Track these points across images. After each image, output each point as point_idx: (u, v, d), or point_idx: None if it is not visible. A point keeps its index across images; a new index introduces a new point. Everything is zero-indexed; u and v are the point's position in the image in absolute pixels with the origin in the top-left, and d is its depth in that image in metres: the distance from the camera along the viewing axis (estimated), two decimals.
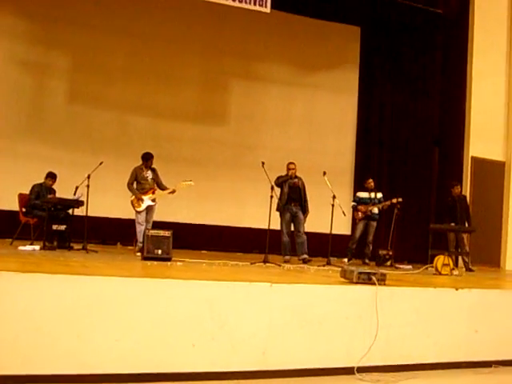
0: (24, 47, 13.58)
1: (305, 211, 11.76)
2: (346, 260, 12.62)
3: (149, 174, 11.19)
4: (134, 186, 11.15)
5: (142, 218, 11.01)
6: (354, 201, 13.20)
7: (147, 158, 11.19)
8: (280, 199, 11.55)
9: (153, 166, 11.29)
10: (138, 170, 11.19)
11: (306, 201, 11.82)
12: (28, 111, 13.63)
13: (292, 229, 11.74)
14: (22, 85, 13.56)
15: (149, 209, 11.10)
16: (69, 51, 14.03)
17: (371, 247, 12.97)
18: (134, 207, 11.03)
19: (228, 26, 14.97)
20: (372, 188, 13.12)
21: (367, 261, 12.80)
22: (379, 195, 13.11)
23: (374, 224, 13.02)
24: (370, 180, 13.22)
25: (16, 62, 13.49)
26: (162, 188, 11.20)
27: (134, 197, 11.05)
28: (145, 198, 11.01)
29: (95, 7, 13.97)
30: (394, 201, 12.74)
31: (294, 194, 11.69)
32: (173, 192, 11.11)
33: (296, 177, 11.80)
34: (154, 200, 11.12)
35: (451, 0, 13.35)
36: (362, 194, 13.14)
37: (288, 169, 11.78)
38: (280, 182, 11.60)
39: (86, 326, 5.33)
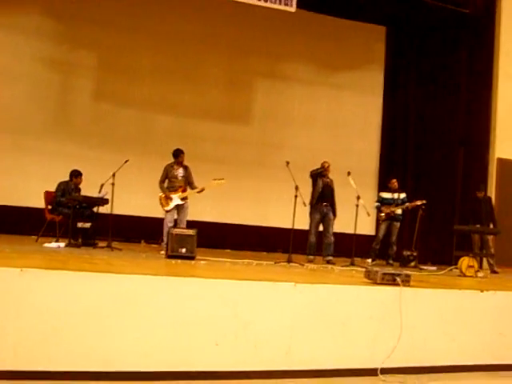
0: (51, 46, 13.68)
1: (335, 213, 11.72)
2: (369, 261, 12.58)
3: (179, 172, 10.99)
4: (166, 184, 11.04)
5: (170, 217, 10.85)
6: (377, 201, 13.16)
7: (176, 154, 11.02)
8: (313, 194, 11.54)
9: (185, 163, 11.16)
10: (168, 168, 11.04)
11: (334, 203, 11.79)
12: (54, 109, 13.74)
13: (320, 229, 11.72)
14: (49, 83, 13.66)
15: (179, 208, 10.91)
16: (94, 50, 14.11)
17: (395, 248, 12.91)
18: (162, 206, 10.91)
19: (253, 26, 14.97)
20: (396, 188, 13.07)
21: (391, 261, 12.75)
22: (402, 196, 13.05)
23: (398, 225, 12.96)
24: (394, 180, 13.17)
25: (43, 60, 13.59)
26: (193, 187, 11.06)
27: (162, 195, 10.93)
28: (174, 196, 10.85)
29: (121, 7, 14.04)
30: (419, 203, 12.67)
31: (326, 193, 11.65)
32: (202, 190, 10.95)
33: (328, 177, 11.80)
34: (183, 199, 10.94)
35: (478, 0, 13.23)
36: (386, 195, 13.09)
37: (322, 165, 11.76)
38: (314, 174, 11.59)
39: (110, 323, 5.36)
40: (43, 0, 13.54)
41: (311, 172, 11.55)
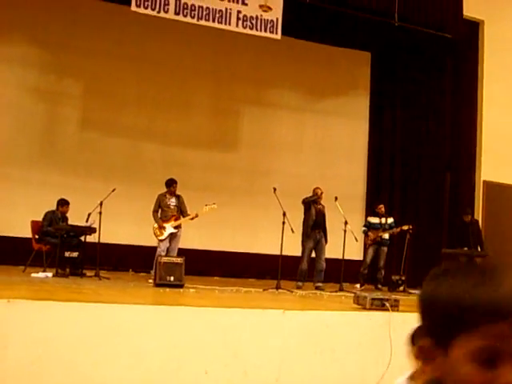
0: (36, 75, 13.68)
1: (326, 239, 11.73)
2: (358, 286, 12.58)
3: (172, 201, 11.18)
4: (159, 213, 11.15)
5: (163, 246, 10.93)
6: (364, 226, 13.19)
7: (169, 184, 11.22)
8: (307, 222, 11.53)
9: (177, 192, 11.30)
10: (161, 197, 11.19)
11: (326, 229, 11.80)
12: (40, 138, 13.70)
13: (313, 255, 11.72)
14: (35, 112, 13.64)
15: (172, 236, 11.05)
16: (80, 79, 14.13)
17: (383, 272, 12.93)
18: (156, 235, 11.00)
19: (238, 53, 15.03)
20: (383, 213, 13.13)
21: (380, 286, 12.76)
22: (390, 220, 13.10)
23: (385, 249, 12.99)
24: (381, 205, 13.24)
25: (28, 89, 13.58)
26: (186, 215, 11.18)
27: (156, 225, 11.04)
28: (167, 225, 10.99)
29: (106, 36, 14.07)
30: (405, 228, 12.73)
31: (319, 220, 11.66)
32: (195, 217, 11.07)
33: (321, 203, 11.81)
34: (176, 227, 11.07)
35: (461, 25, 13.35)
36: (373, 220, 13.13)
37: (315, 192, 11.78)
38: (307, 202, 11.59)
39: (99, 353, 5.33)
40: (29, 29, 13.53)
41: (304, 200, 11.54)
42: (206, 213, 11.12)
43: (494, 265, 1.23)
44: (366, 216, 14.20)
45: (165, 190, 11.30)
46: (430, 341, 1.25)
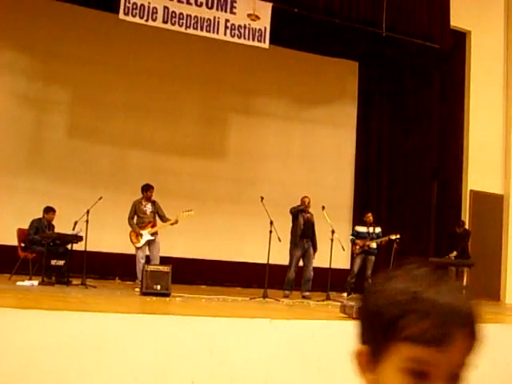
0: (24, 82, 13.64)
1: (315, 248, 11.72)
2: (345, 295, 12.58)
3: (148, 208, 11.12)
4: (135, 220, 11.10)
5: (142, 253, 10.90)
6: (352, 235, 13.20)
7: (146, 189, 11.16)
8: (295, 231, 11.52)
9: (153, 198, 11.26)
10: (137, 204, 11.14)
11: (315, 238, 11.79)
12: (27, 146, 13.66)
13: (300, 264, 11.71)
14: (22, 119, 13.59)
15: (150, 243, 10.98)
16: (68, 86, 14.10)
17: (370, 281, 12.97)
18: (133, 243, 10.96)
19: (226, 62, 15.05)
20: (371, 222, 13.15)
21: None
22: (378, 230, 13.13)
23: (373, 258, 13.01)
24: (369, 214, 13.26)
25: (16, 96, 13.55)
26: (165, 220, 11.13)
27: (132, 232, 10.99)
28: (143, 232, 10.94)
29: (94, 43, 14.05)
30: (393, 237, 12.78)
31: (307, 229, 11.65)
32: (175, 223, 11.05)
33: (309, 212, 11.80)
34: (153, 234, 11.03)
35: (448, 35, 13.42)
36: (361, 229, 13.16)
37: (303, 201, 11.78)
38: (295, 212, 11.58)
39: (84, 362, 5.30)
40: (16, 36, 13.50)
41: (291, 209, 11.52)
42: (184, 219, 11.09)
43: (435, 274, 1.21)
44: (354, 225, 14.23)
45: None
46: (367, 349, 1.23)
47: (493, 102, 15.17)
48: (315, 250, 11.71)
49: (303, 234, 11.61)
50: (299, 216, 11.65)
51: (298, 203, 11.86)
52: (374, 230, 13.07)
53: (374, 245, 12.95)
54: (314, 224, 11.77)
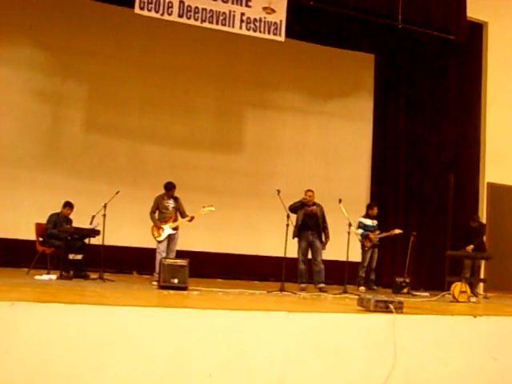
0: (41, 78, 13.69)
1: (322, 240, 11.70)
2: (362, 288, 12.60)
3: (170, 203, 11.23)
4: (156, 215, 11.20)
5: (162, 247, 10.99)
6: (362, 228, 13.14)
7: (169, 187, 11.26)
8: (295, 226, 11.55)
9: (180, 194, 11.34)
10: (159, 199, 11.25)
11: (325, 228, 11.76)
12: (45, 141, 13.70)
13: (309, 256, 11.70)
14: (39, 115, 13.64)
15: (170, 238, 11.10)
16: (85, 81, 14.13)
17: (375, 273, 13.11)
18: (154, 237, 11.04)
19: (242, 55, 15.05)
20: (375, 215, 13.26)
21: (374, 287, 12.88)
22: (376, 222, 13.24)
23: (377, 251, 13.12)
24: (376, 207, 13.34)
25: (33, 92, 13.60)
26: (184, 217, 11.21)
27: (154, 226, 11.09)
28: (165, 226, 11.04)
29: (111, 38, 14.09)
30: (397, 232, 12.93)
31: (310, 222, 11.64)
32: (192, 219, 11.11)
33: (314, 204, 11.78)
34: (175, 228, 11.12)
35: (464, 26, 13.33)
36: (368, 222, 13.20)
37: (304, 196, 11.78)
38: (293, 208, 11.57)
39: (102, 356, 5.32)
40: (34, 31, 13.55)
41: (289, 207, 11.42)
42: (203, 215, 11.14)
43: None
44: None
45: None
46: None
47: (510, 94, 15.07)
48: (324, 241, 11.67)
49: (303, 226, 11.60)
50: (298, 211, 11.64)
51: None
52: (376, 222, 13.20)
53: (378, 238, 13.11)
54: (319, 216, 11.71)
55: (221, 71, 15.07)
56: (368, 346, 6.26)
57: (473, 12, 13.76)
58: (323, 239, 11.68)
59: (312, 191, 11.81)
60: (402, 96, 16.30)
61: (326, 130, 16.02)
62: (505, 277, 14.51)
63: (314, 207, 11.75)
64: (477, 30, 14.91)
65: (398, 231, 13.06)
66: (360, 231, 13.06)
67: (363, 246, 13.07)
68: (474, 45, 14.89)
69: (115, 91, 14.17)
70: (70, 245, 10.70)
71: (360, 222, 13.24)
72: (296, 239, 11.56)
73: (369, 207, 13.55)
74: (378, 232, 13.11)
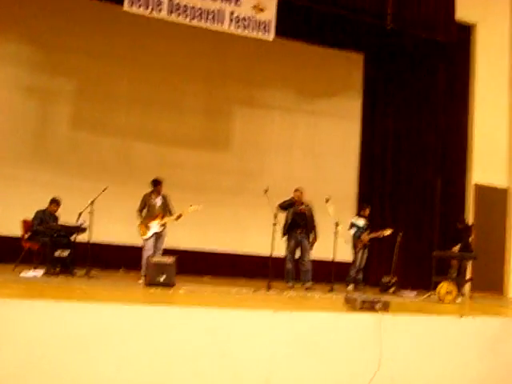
0: (28, 74, 13.62)
1: (310, 239, 11.73)
2: (350, 287, 12.64)
3: (157, 201, 11.18)
4: (144, 213, 11.17)
5: (149, 245, 10.94)
6: (355, 228, 13.15)
7: (155, 184, 11.23)
8: (284, 225, 11.57)
9: (163, 191, 11.31)
10: (146, 197, 11.21)
11: (313, 227, 11.80)
12: (32, 137, 13.64)
13: (297, 256, 11.72)
14: (26, 111, 13.58)
15: (157, 235, 11.05)
16: (73, 78, 14.07)
17: (363, 273, 13.15)
18: (140, 234, 11.01)
19: (231, 53, 15.02)
20: (366, 216, 13.29)
21: (362, 286, 12.91)
22: (367, 222, 13.28)
23: (367, 251, 13.15)
24: (368, 208, 13.38)
25: (20, 88, 13.53)
26: (171, 215, 11.19)
27: (141, 224, 11.05)
28: (151, 224, 10.99)
29: (99, 35, 14.03)
30: (387, 232, 12.94)
31: (299, 221, 11.68)
32: (179, 217, 11.08)
33: (303, 203, 11.81)
34: (161, 226, 11.08)
35: (453, 28, 13.38)
36: (360, 223, 13.20)
37: (293, 196, 11.80)
38: (284, 206, 11.60)
39: (88, 353, 5.31)
40: (20, 27, 13.48)
41: (279, 205, 11.49)
42: (190, 213, 11.11)
43: None
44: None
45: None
46: None
47: (498, 96, 15.14)
48: (312, 241, 11.71)
49: (292, 225, 11.64)
50: (288, 211, 11.68)
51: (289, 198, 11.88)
52: (367, 223, 13.23)
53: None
54: (308, 216, 11.76)
55: (209, 69, 15.04)
56: (354, 345, 6.28)
57: (461, 13, 13.80)
58: (311, 239, 11.71)
59: (301, 190, 11.83)
60: (390, 96, 16.31)
61: (315, 128, 16.02)
62: (491, 277, 14.58)
63: (303, 206, 11.77)
64: (465, 32, 14.95)
65: (388, 231, 13.07)
66: (352, 231, 13.08)
67: (355, 247, 13.08)
68: (463, 46, 14.93)
69: (103, 88, 14.12)
70: (57, 242, 10.67)
71: (352, 223, 13.25)
72: (284, 238, 11.59)
73: (361, 208, 13.59)
74: (367, 232, 13.13)
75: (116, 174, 13.70)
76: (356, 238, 13.05)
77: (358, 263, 12.99)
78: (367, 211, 13.36)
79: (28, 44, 13.61)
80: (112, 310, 5.54)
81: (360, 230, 13.06)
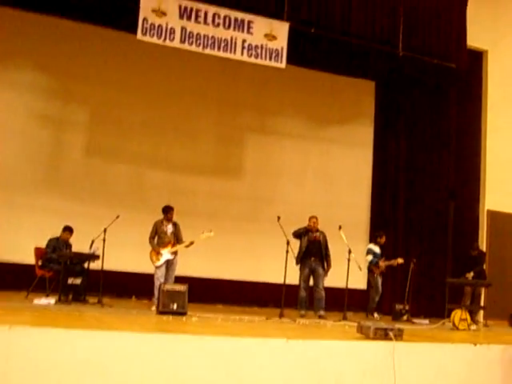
0: (43, 101, 13.72)
1: (324, 267, 11.71)
2: (376, 315, 12.67)
3: (169, 228, 11.24)
4: (155, 240, 11.19)
5: (160, 272, 10.97)
6: (372, 255, 13.10)
7: (166, 210, 11.30)
8: (298, 252, 11.56)
9: (174, 220, 11.34)
10: (158, 224, 11.26)
11: (327, 255, 11.78)
12: (45, 165, 13.71)
13: (311, 283, 11.70)
14: (40, 139, 13.66)
15: (169, 263, 11.08)
16: (86, 106, 14.16)
17: None
18: (152, 262, 11.03)
19: (243, 81, 15.10)
20: (382, 244, 13.27)
21: (376, 314, 12.86)
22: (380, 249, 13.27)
23: (381, 278, 13.12)
24: (384, 236, 13.35)
25: (35, 116, 13.62)
26: (181, 243, 11.20)
27: (152, 251, 11.07)
28: (163, 251, 11.02)
29: (112, 63, 14.14)
30: (400, 261, 12.96)
31: (313, 248, 11.67)
32: (191, 244, 11.09)
33: (318, 230, 11.81)
34: (173, 254, 11.10)
35: (464, 54, 13.42)
36: (376, 249, 13.18)
37: (309, 223, 11.81)
38: (298, 234, 11.61)
39: (101, 381, 5.29)
40: (36, 56, 13.61)
41: (293, 233, 11.51)
42: (202, 240, 11.12)
43: None
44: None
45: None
46: None
47: (510, 121, 15.12)
48: (325, 269, 11.69)
49: (306, 253, 11.64)
50: (302, 237, 11.68)
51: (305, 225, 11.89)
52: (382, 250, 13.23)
53: None
54: (323, 243, 11.75)
55: (222, 96, 15.12)
56: (367, 373, 6.23)
57: (472, 40, 13.85)
58: (325, 266, 11.69)
59: (316, 218, 11.85)
60: (402, 123, 16.32)
61: (327, 155, 16.03)
62: (505, 305, 14.45)
63: (318, 234, 11.77)
64: (477, 58, 14.99)
65: (400, 261, 13.06)
66: (370, 258, 13.05)
67: (373, 273, 13.04)
68: (474, 72, 14.96)
69: (116, 116, 14.20)
70: (69, 269, 10.70)
71: (370, 249, 13.23)
72: (297, 266, 11.57)
73: (378, 235, 13.52)
74: (383, 259, 13.10)
75: (129, 201, 13.73)
76: (373, 265, 13.00)
77: (380, 289, 12.97)
78: (384, 239, 13.31)
79: (43, 72, 13.73)
80: (125, 337, 5.54)
81: (377, 257, 13.03)
